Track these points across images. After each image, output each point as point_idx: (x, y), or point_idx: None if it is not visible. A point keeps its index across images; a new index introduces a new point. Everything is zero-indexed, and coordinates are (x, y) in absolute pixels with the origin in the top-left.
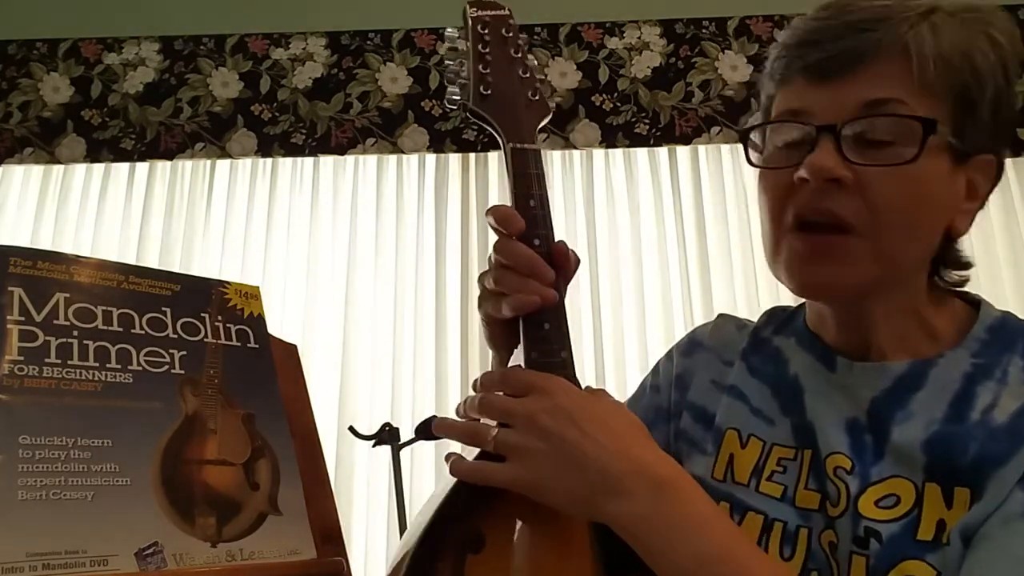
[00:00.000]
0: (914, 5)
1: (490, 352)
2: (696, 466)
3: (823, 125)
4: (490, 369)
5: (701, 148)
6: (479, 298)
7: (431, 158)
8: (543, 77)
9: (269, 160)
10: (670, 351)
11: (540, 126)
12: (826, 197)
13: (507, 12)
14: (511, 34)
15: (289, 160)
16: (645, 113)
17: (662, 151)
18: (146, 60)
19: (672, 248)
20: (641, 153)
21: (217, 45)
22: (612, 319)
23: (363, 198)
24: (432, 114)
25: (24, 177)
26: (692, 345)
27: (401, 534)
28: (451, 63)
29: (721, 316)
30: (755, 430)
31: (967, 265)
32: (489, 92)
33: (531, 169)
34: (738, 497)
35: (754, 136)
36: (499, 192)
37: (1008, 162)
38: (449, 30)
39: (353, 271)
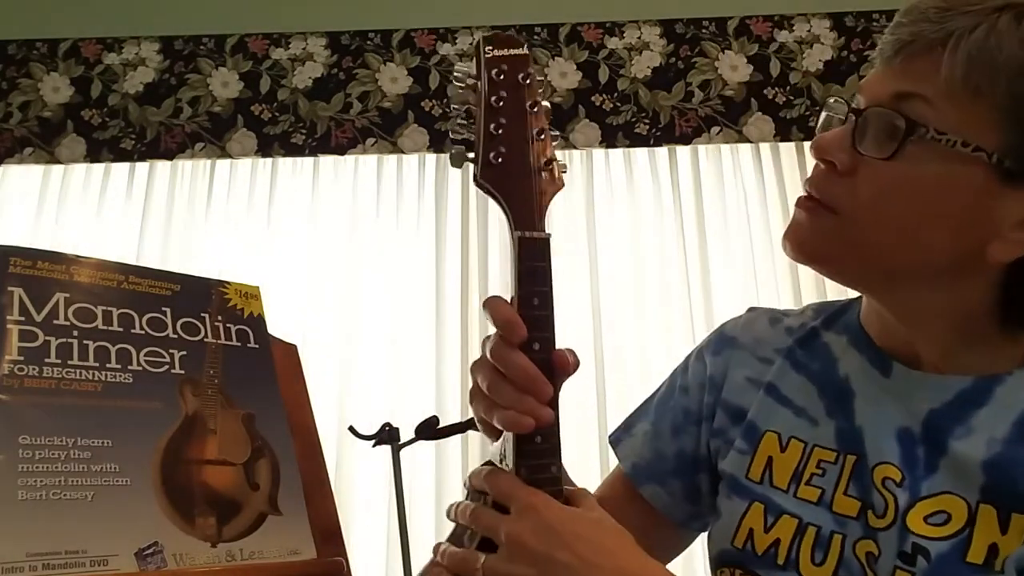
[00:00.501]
0: (984, 6)
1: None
2: (730, 464)
3: (853, 108)
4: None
5: (701, 148)
6: (471, 392)
7: (431, 158)
8: (556, 133)
9: (269, 160)
10: (699, 350)
11: (551, 202)
12: (823, 177)
13: (526, 52)
14: (528, 81)
15: (289, 160)
16: (645, 113)
17: (662, 151)
18: (146, 60)
19: (672, 248)
20: (641, 153)
21: (217, 45)
22: (612, 319)
23: (363, 198)
24: (432, 114)
25: (24, 177)
26: (722, 342)
27: (401, 534)
28: (457, 107)
29: (752, 310)
30: (796, 432)
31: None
32: (500, 161)
33: (538, 263)
34: (774, 500)
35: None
36: None
37: None
38: (458, 70)
39: (353, 271)
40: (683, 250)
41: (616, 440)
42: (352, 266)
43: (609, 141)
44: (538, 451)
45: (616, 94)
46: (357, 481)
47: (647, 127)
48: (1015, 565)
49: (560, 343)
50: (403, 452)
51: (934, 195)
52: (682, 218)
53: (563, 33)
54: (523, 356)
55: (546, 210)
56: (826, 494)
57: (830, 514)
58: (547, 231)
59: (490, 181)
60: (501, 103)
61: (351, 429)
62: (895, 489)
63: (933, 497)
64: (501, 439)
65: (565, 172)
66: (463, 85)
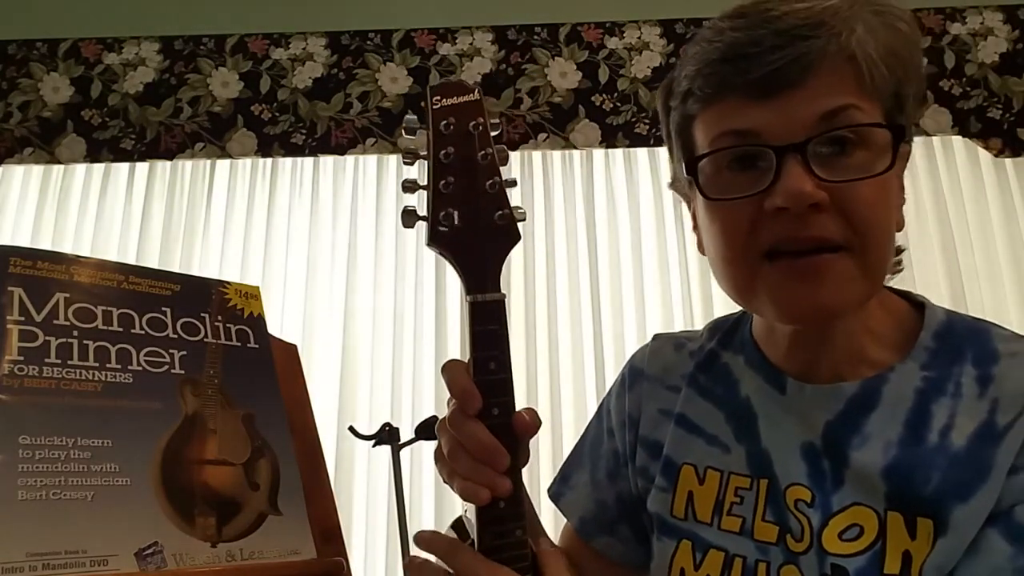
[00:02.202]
0: (838, 6)
1: None
2: (653, 502)
3: (786, 145)
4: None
5: None
6: (435, 453)
7: None
8: (510, 179)
9: (269, 160)
10: (615, 388)
11: (505, 259)
12: (807, 223)
13: (476, 97)
14: (480, 128)
15: (289, 160)
16: (645, 113)
17: (662, 151)
18: (146, 60)
19: (672, 248)
20: (641, 153)
21: (217, 45)
22: (612, 319)
23: (363, 198)
24: None
25: (24, 177)
26: (633, 376)
27: (401, 534)
28: (408, 160)
29: (657, 338)
30: (711, 461)
31: (899, 250)
32: (450, 224)
33: (492, 326)
34: (700, 535)
35: (701, 164)
36: None
37: (1008, 162)
38: (407, 121)
39: (353, 271)
40: (683, 250)
41: (557, 495)
42: (352, 266)
43: (609, 141)
44: (500, 517)
45: (616, 94)
46: (357, 481)
47: (647, 127)
48: (934, 569)
49: (560, 343)
50: (403, 452)
51: (895, 189)
52: (682, 218)
53: (563, 33)
54: (479, 426)
55: (500, 268)
56: (747, 522)
57: (752, 542)
58: (501, 292)
59: (440, 245)
60: (450, 157)
61: (351, 429)
62: (807, 510)
63: (844, 511)
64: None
65: (523, 220)
66: (412, 138)
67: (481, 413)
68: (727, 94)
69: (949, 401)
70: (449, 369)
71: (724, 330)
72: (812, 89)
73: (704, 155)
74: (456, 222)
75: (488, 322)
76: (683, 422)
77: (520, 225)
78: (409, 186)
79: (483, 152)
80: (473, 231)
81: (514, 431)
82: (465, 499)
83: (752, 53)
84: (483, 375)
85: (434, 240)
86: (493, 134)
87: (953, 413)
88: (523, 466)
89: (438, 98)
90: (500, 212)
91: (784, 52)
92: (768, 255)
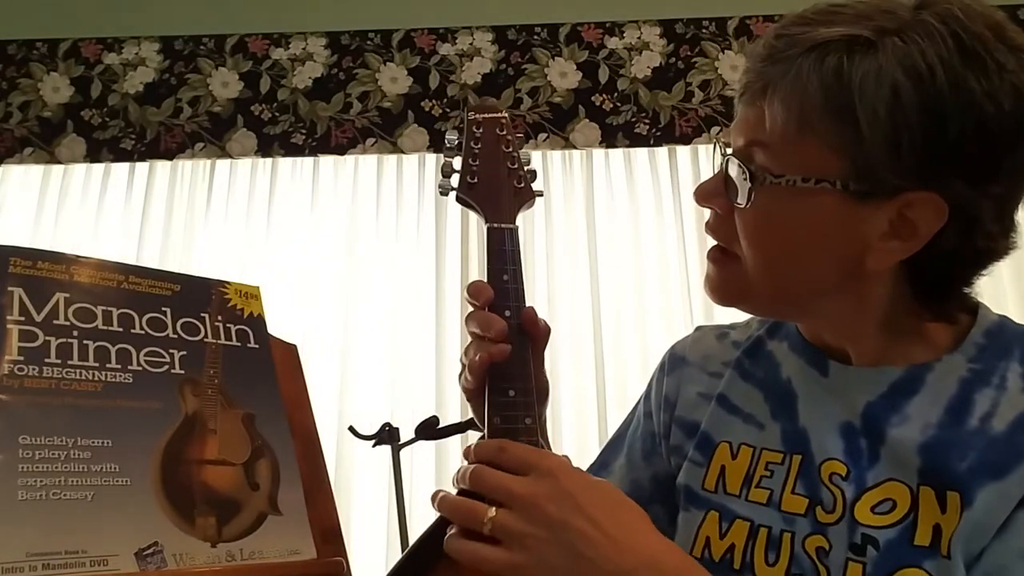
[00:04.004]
0: (817, 36)
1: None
2: (685, 475)
3: (724, 154)
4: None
5: (701, 148)
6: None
7: (431, 158)
8: (532, 170)
9: (269, 160)
10: (655, 375)
11: (522, 209)
12: (714, 224)
13: (503, 116)
14: (504, 132)
15: (289, 160)
16: (645, 113)
17: (662, 151)
18: (146, 60)
19: (672, 248)
20: (641, 153)
21: (217, 45)
22: (612, 319)
23: (363, 198)
24: (432, 114)
25: (24, 177)
26: (674, 362)
27: (401, 534)
28: (448, 158)
29: (700, 328)
30: (746, 438)
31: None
32: (475, 181)
33: (505, 246)
34: (728, 507)
35: None
36: None
37: None
38: (449, 135)
39: (353, 271)
40: (683, 250)
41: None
42: (352, 266)
43: (609, 141)
44: (511, 403)
45: (616, 94)
46: (357, 481)
47: (647, 127)
48: (962, 549)
49: (560, 342)
50: (403, 452)
51: (798, 229)
52: (682, 218)
53: (563, 33)
54: (486, 312)
55: (516, 213)
56: (774, 494)
57: (779, 513)
58: (515, 225)
59: (466, 194)
60: (479, 144)
61: (351, 429)
62: (842, 483)
63: (878, 486)
64: None
65: (541, 196)
66: (451, 144)
67: (495, 314)
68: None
69: (993, 392)
70: (470, 283)
71: (774, 320)
72: (744, 117)
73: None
74: (478, 181)
75: (502, 242)
76: (723, 402)
77: (520, 221)
78: (447, 171)
79: (506, 144)
80: (492, 186)
81: (525, 328)
82: (471, 372)
83: (746, 67)
84: (497, 283)
85: (461, 191)
86: (518, 135)
87: (996, 403)
88: (539, 359)
89: (473, 113)
90: (518, 180)
91: (749, 74)
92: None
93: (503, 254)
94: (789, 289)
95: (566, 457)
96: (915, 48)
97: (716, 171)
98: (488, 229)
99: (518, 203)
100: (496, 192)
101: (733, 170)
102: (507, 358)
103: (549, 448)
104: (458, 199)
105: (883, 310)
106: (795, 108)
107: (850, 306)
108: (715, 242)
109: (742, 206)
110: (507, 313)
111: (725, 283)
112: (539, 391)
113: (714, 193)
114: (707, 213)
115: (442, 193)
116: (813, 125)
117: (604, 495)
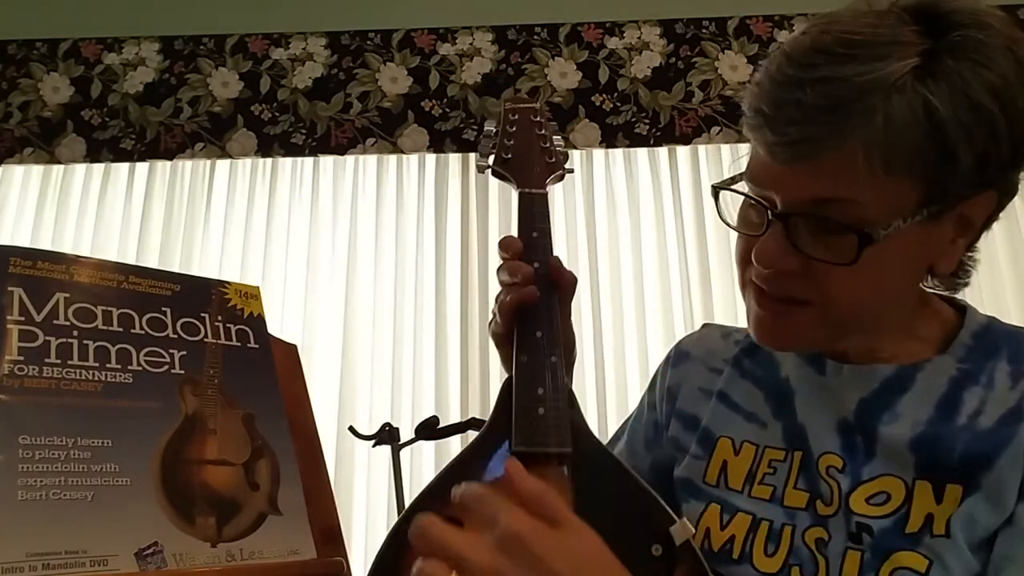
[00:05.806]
0: (886, 76)
1: (494, 352)
2: (685, 469)
3: (776, 211)
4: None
5: (701, 148)
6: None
7: (431, 158)
8: (565, 151)
9: (269, 160)
10: (661, 366)
11: (551, 178)
12: (777, 281)
13: (537, 105)
14: (537, 118)
15: (289, 160)
16: (645, 113)
17: (662, 151)
18: (146, 60)
19: (672, 248)
20: (641, 153)
21: (217, 45)
22: (612, 319)
23: (363, 198)
24: (432, 114)
25: (24, 177)
26: (679, 356)
27: None
28: (483, 151)
29: (706, 326)
30: (748, 436)
31: (964, 274)
32: (509, 156)
33: (535, 208)
34: (729, 501)
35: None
36: (499, 192)
37: None
38: (488, 125)
39: (353, 271)
40: (683, 250)
41: None
42: (352, 266)
43: (609, 141)
44: (538, 343)
45: (616, 94)
46: (357, 481)
47: (647, 127)
48: (963, 529)
49: None
50: (403, 452)
51: (893, 268)
52: (682, 218)
53: (563, 33)
54: (516, 261)
55: (546, 182)
56: (777, 490)
57: (781, 508)
58: (545, 191)
59: (500, 166)
60: (513, 127)
61: (351, 429)
62: (838, 475)
63: (873, 480)
64: None
65: (571, 171)
66: (493, 129)
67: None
68: (759, 142)
69: (981, 391)
70: (501, 238)
71: None
72: (815, 170)
73: (732, 185)
74: (512, 155)
75: (531, 204)
76: (724, 399)
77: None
78: (484, 150)
79: (539, 127)
80: (524, 158)
81: (552, 279)
82: (502, 314)
83: (774, 117)
84: (527, 238)
85: (496, 164)
86: (551, 122)
87: (984, 401)
88: (566, 310)
89: (509, 103)
90: (550, 155)
91: (797, 129)
92: (755, 285)
93: (532, 214)
94: (874, 321)
95: (580, 524)
96: (973, 64)
97: (756, 225)
98: (520, 194)
99: (549, 171)
100: (528, 163)
101: (811, 226)
102: (534, 303)
103: (574, 399)
104: (494, 172)
105: (915, 299)
106: (881, 153)
107: (901, 311)
108: (767, 290)
109: (846, 263)
110: (536, 265)
111: (794, 335)
112: (566, 340)
113: (783, 254)
114: (708, 214)
115: (479, 170)
116: (906, 165)
117: (574, 557)
